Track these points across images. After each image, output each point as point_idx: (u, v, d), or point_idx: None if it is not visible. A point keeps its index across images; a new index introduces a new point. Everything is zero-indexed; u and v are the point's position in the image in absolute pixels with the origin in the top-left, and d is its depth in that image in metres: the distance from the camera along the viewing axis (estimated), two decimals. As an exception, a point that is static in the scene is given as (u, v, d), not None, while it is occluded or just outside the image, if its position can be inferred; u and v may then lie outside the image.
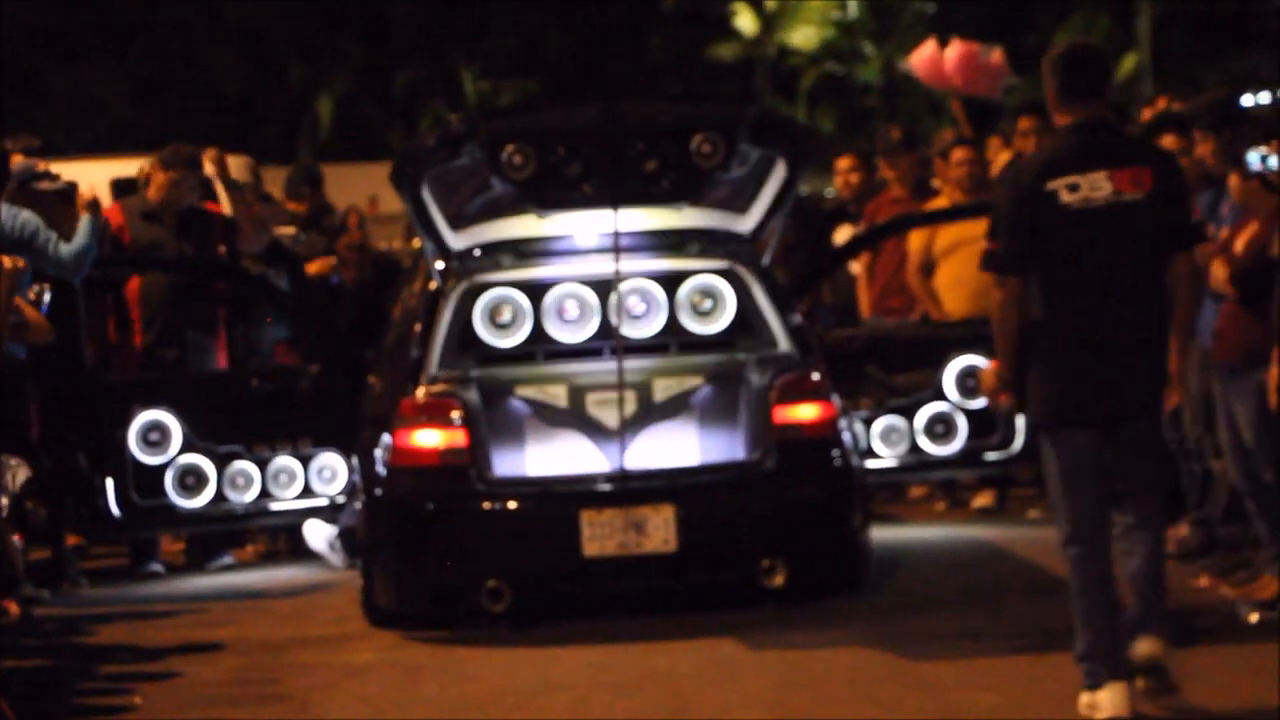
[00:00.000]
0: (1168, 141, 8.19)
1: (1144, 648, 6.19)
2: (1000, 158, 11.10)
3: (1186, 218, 6.35)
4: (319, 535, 9.38)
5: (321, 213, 11.64)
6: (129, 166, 11.47)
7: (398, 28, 36.79)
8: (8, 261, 4.91)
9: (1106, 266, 6.13)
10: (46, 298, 9.02)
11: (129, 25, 33.93)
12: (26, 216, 8.31)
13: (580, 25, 36.58)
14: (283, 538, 10.16)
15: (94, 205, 8.66)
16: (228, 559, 9.88)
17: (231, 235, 10.19)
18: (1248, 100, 14.17)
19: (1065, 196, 6.12)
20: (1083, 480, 6.19)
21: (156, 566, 9.75)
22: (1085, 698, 6.18)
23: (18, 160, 9.39)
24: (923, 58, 13.24)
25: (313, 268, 10.76)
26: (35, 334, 8.65)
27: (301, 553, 10.06)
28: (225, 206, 10.47)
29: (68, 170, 10.49)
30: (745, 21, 36.34)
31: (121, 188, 10.72)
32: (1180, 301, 6.25)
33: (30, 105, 30.78)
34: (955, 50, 12.91)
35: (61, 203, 9.18)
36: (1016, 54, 15.47)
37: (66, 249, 8.54)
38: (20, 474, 6.23)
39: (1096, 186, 6.12)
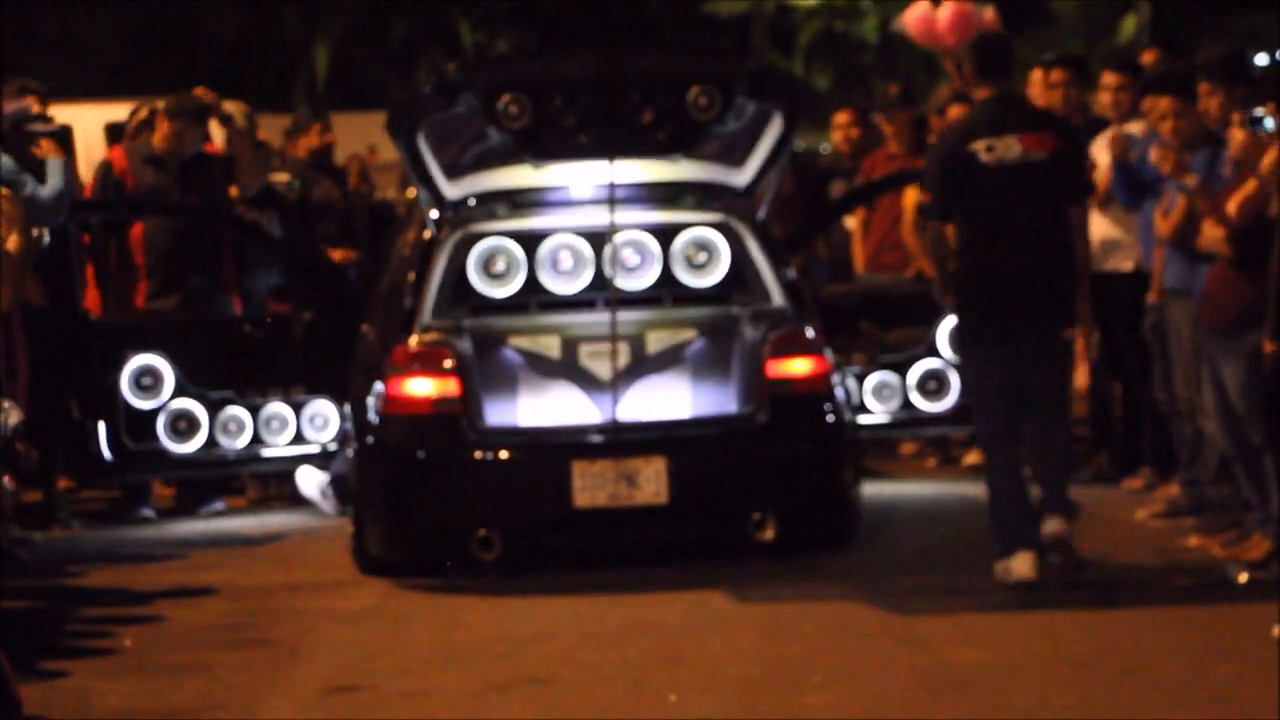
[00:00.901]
0: (1163, 104, 8.17)
1: (1051, 526, 7.44)
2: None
3: (1081, 175, 7.75)
4: (311, 482, 9.39)
5: (328, 153, 11.55)
6: (123, 111, 11.43)
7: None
8: (13, 240, 4.96)
9: (1016, 213, 7.51)
10: (46, 240, 9.00)
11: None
12: (4, 161, 8.29)
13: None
14: (274, 484, 10.16)
15: (59, 141, 8.67)
16: (219, 505, 9.89)
17: (231, 174, 10.16)
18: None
19: (984, 156, 7.49)
20: (997, 388, 7.51)
21: (148, 511, 9.76)
22: (1000, 565, 7.42)
23: (10, 104, 9.36)
24: (916, 16, 13.21)
25: (336, 255, 10.70)
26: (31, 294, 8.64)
27: (293, 500, 10.08)
28: (220, 143, 10.41)
29: (62, 114, 10.46)
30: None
31: (115, 132, 10.66)
32: (1079, 246, 7.63)
33: (25, 49, 30.65)
34: (948, 9, 12.87)
35: (56, 146, 9.15)
36: (1009, 13, 15.42)
37: (44, 191, 8.53)
38: (12, 416, 6.23)
39: (1009, 148, 7.49)
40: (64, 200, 8.69)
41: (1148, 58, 9.90)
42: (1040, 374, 7.49)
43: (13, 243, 5.56)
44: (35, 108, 9.67)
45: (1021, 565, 7.31)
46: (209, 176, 10.01)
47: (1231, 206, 7.51)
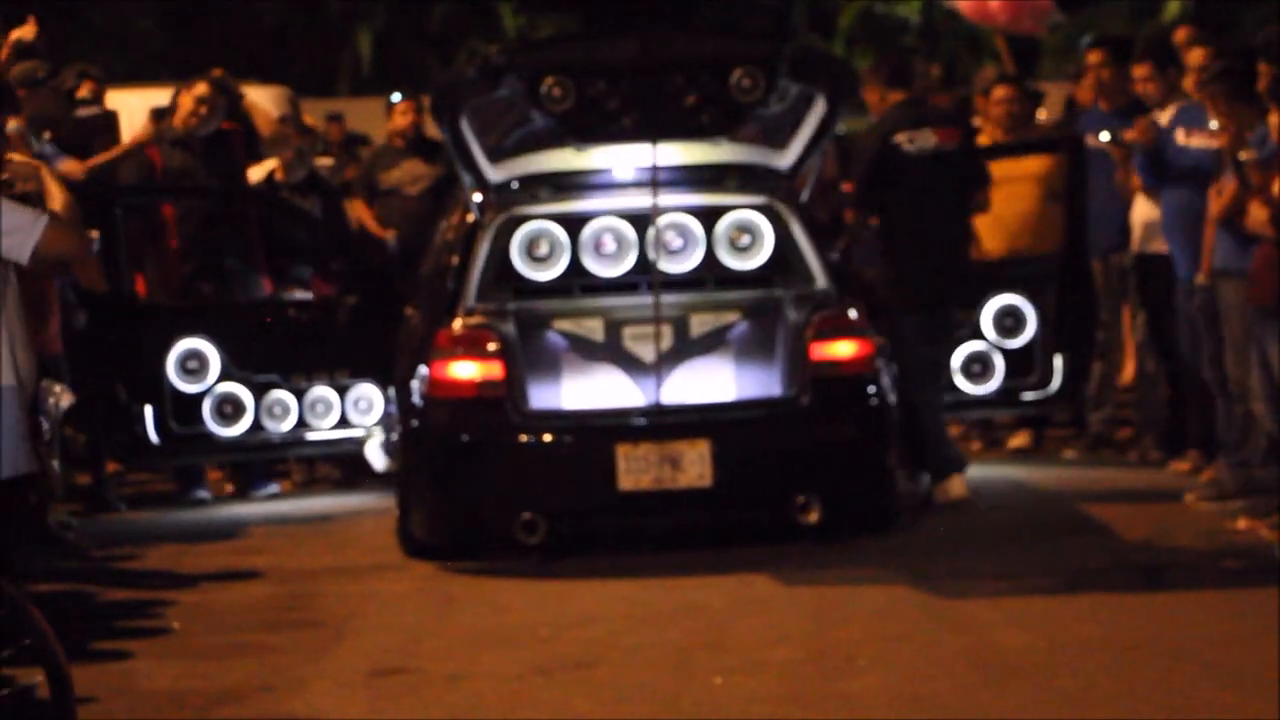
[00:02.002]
0: (1220, 104, 8.19)
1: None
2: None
3: (981, 165, 9.18)
4: (375, 445, 9.39)
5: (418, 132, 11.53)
6: (166, 95, 11.47)
7: (436, -40, 36.64)
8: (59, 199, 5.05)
9: (934, 196, 8.86)
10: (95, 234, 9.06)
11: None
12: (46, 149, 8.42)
13: (620, -40, 36.38)
14: (322, 468, 10.20)
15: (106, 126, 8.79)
16: (273, 488, 9.93)
17: (255, 149, 10.19)
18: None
19: (907, 146, 8.86)
20: (921, 347, 8.82)
21: (203, 494, 9.81)
22: (938, 490, 8.72)
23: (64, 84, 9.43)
24: (969, -5, 13.13)
25: (381, 236, 10.74)
26: (92, 279, 8.73)
27: (338, 482, 10.12)
28: (259, 122, 10.42)
29: (109, 100, 10.51)
30: (792, -41, 36.09)
31: (160, 116, 10.70)
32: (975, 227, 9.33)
33: (70, 36, 30.79)
34: (1001, -12, 12.80)
35: (101, 131, 9.22)
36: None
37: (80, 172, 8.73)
38: (64, 399, 6.26)
39: (927, 139, 8.87)
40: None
41: (1181, 35, 9.80)
42: (945, 337, 9.06)
43: (59, 201, 5.63)
44: (81, 90, 9.73)
45: (958, 487, 8.70)
46: (231, 153, 10.05)
47: (1277, 188, 7.46)
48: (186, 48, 32.31)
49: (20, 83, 8.72)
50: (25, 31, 8.88)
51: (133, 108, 11.04)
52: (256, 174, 10.29)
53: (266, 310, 9.74)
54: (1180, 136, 8.90)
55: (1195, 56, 9.03)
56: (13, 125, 8.19)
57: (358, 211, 11.12)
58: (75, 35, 30.90)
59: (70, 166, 9.29)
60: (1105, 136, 9.41)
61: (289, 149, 10.31)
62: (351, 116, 18.63)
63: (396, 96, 11.49)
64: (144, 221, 9.88)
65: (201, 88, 9.87)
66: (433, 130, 11.72)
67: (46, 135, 9.05)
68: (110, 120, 10.16)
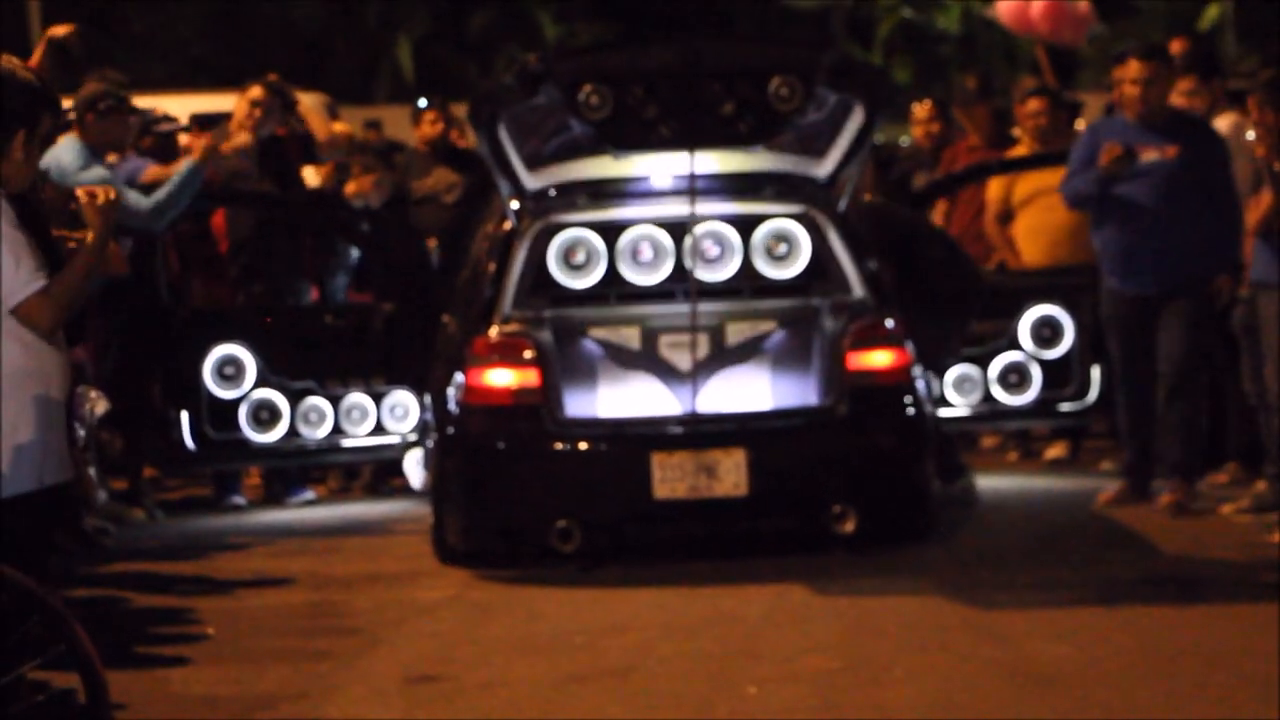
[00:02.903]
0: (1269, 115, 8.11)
1: None
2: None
3: None
4: (414, 460, 9.42)
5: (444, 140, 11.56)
6: (207, 102, 11.52)
7: (475, -31, 36.71)
8: (100, 193, 4.96)
9: None
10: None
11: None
12: (96, 172, 8.45)
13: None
14: (360, 473, 10.21)
15: (203, 158, 8.86)
16: (309, 494, 9.95)
17: (312, 152, 10.21)
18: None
19: None
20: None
21: (239, 500, 9.84)
22: None
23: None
24: (1009, 5, 13.10)
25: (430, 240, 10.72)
26: (111, 265, 8.73)
27: (373, 489, 10.13)
28: (315, 126, 10.41)
29: (148, 105, 10.56)
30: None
31: (200, 123, 10.76)
32: None
33: (110, 42, 30.95)
34: (1042, -2, 12.77)
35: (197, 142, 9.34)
36: (1103, 1, 15.28)
37: (144, 202, 8.77)
38: (99, 405, 6.27)
39: None
40: (164, 211, 8.87)
41: (1176, 47, 9.65)
42: None
43: (93, 235, 5.50)
44: (157, 110, 9.82)
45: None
46: (286, 157, 10.08)
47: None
48: (225, 55, 32.44)
49: (88, 107, 8.79)
50: (61, 30, 8.95)
51: (173, 113, 11.08)
52: (313, 177, 10.29)
53: (304, 317, 9.76)
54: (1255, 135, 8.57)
55: (1133, 70, 8.66)
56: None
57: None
58: (115, 42, 31.06)
59: (157, 172, 9.34)
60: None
61: (344, 154, 10.32)
62: (390, 124, 18.71)
63: (423, 103, 11.46)
64: (194, 225, 9.92)
65: (256, 91, 9.91)
66: (462, 138, 11.76)
67: (112, 158, 9.12)
68: (171, 140, 10.25)
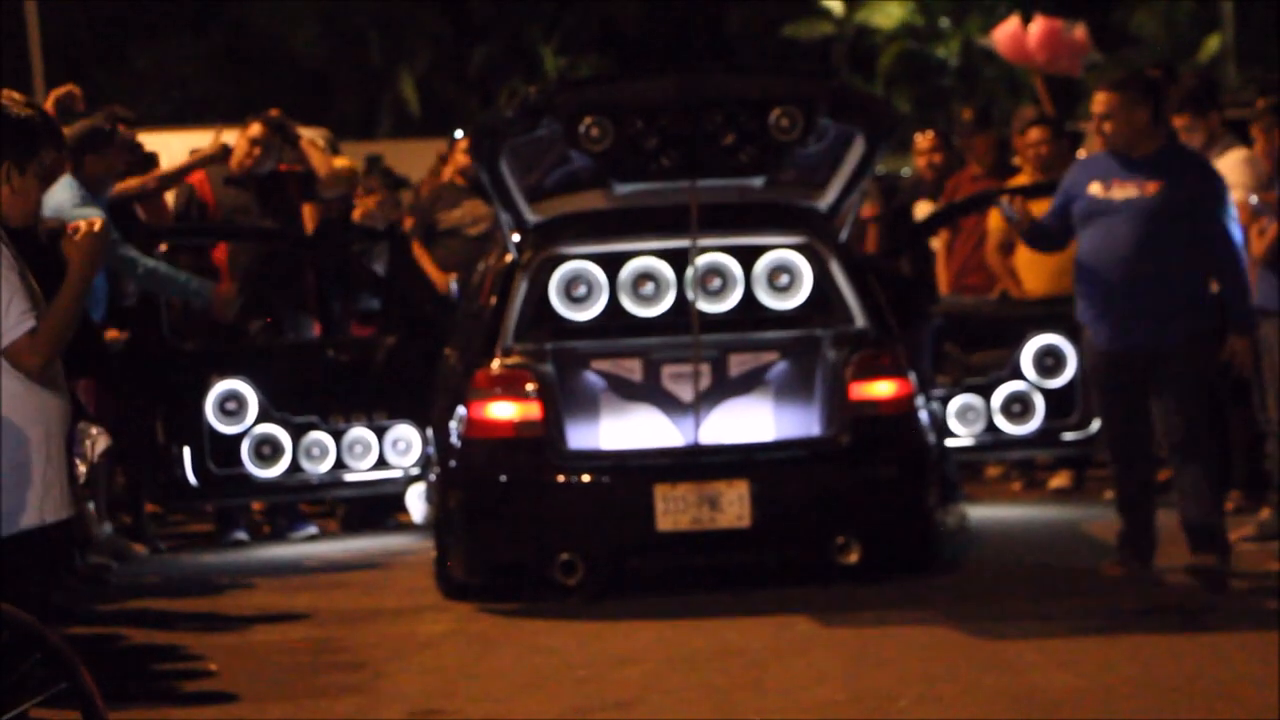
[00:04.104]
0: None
1: None
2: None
3: None
4: (416, 495, 9.39)
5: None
6: (208, 139, 11.52)
7: (475, 4, 36.83)
8: (84, 226, 4.92)
9: None
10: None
11: (210, 0, 34.18)
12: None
13: (657, 3, 36.52)
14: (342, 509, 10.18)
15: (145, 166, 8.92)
16: (312, 529, 9.93)
17: (312, 190, 10.20)
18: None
19: None
20: None
21: (242, 535, 9.82)
22: None
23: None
24: (1006, 34, 13.12)
25: (440, 280, 10.67)
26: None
27: (377, 524, 10.11)
28: (316, 163, 10.39)
29: (150, 141, 10.58)
30: (833, 1, 36.15)
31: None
32: None
33: (115, 79, 31.04)
34: (1038, 26, 12.79)
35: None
36: (1099, 31, 15.31)
37: (143, 263, 8.92)
38: (100, 442, 6.24)
39: None
40: (147, 280, 9.01)
41: (1154, 74, 9.62)
42: None
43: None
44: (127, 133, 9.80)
45: None
46: (286, 194, 10.08)
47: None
48: (229, 90, 32.52)
49: (84, 144, 8.81)
50: (61, 91, 9.04)
51: (174, 149, 11.11)
52: (310, 214, 10.28)
53: (305, 352, 9.75)
54: (1097, 189, 7.86)
55: (1098, 102, 8.06)
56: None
57: (415, 254, 11.00)
58: (117, 78, 31.15)
59: (127, 184, 9.38)
60: None
61: (345, 189, 10.31)
62: (392, 158, 18.74)
63: (459, 134, 11.44)
64: (195, 259, 9.92)
65: (256, 128, 9.92)
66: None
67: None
68: (151, 161, 10.23)
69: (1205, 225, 7.72)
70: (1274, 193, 8.37)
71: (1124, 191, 7.79)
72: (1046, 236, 8.26)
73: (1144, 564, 7.93)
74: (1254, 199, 8.53)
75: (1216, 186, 7.84)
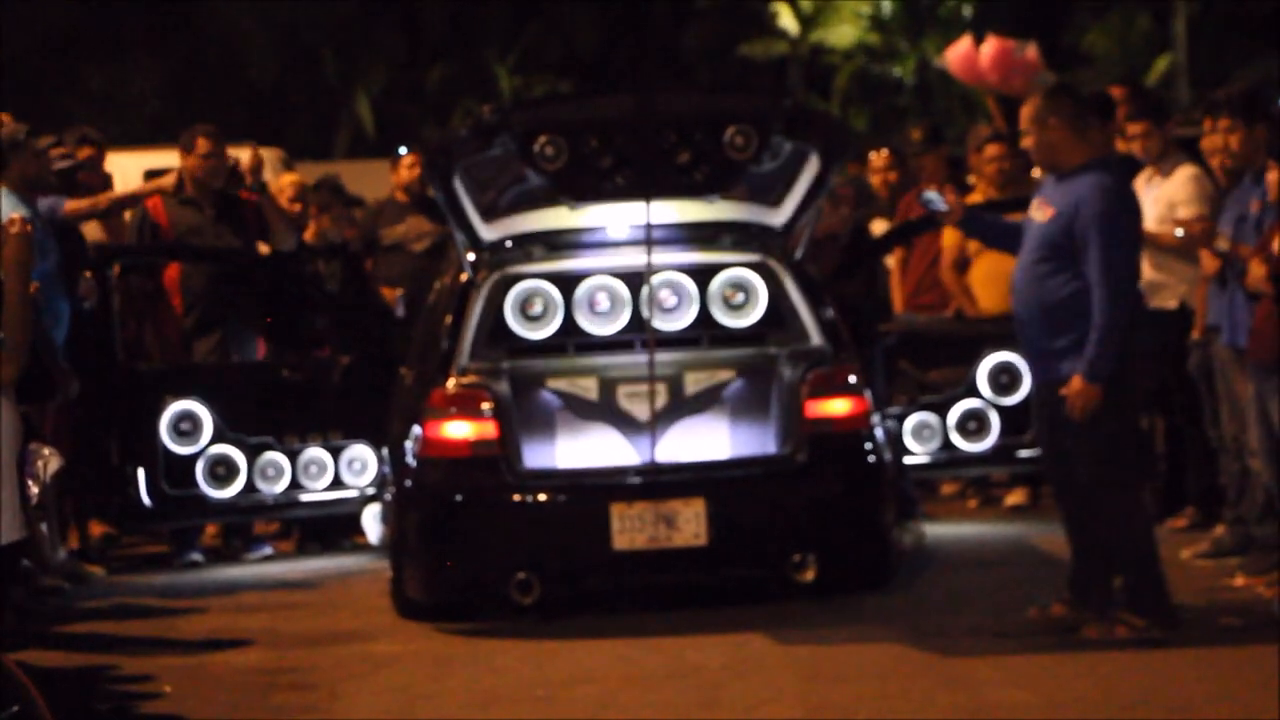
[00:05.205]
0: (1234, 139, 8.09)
1: None
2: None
3: None
4: (371, 515, 9.35)
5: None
6: (163, 159, 11.50)
7: (431, 23, 36.81)
8: (5, 225, 4.86)
9: None
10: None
11: (165, 20, 34.07)
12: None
13: (614, 22, 36.58)
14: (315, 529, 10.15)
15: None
16: (267, 549, 9.89)
17: (265, 228, 10.15)
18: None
19: None
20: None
21: (196, 556, 9.76)
22: None
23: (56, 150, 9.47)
24: (958, 54, 13.19)
25: (389, 293, 10.64)
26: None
27: (333, 545, 10.07)
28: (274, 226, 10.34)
29: (106, 162, 10.52)
30: (789, 20, 36.25)
31: (155, 179, 10.72)
32: None
33: (69, 100, 30.91)
34: (990, 47, 12.86)
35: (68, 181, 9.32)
36: (1052, 51, 15.39)
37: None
38: (53, 463, 6.21)
39: None
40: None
41: (1117, 93, 9.68)
42: None
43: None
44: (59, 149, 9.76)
45: None
46: (244, 219, 10.03)
47: (1276, 246, 7.46)
48: (183, 111, 32.41)
49: (2, 151, 8.74)
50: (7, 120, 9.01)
51: (128, 170, 11.07)
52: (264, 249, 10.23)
53: (260, 372, 9.71)
54: (1032, 207, 7.37)
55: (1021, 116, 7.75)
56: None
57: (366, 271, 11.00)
58: (72, 99, 31.02)
59: (78, 204, 9.33)
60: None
61: (293, 240, 10.24)
62: (347, 178, 18.67)
63: (403, 150, 11.46)
64: (147, 280, 9.87)
65: (203, 143, 9.86)
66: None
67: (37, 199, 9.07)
68: (107, 182, 10.18)
69: (1086, 253, 7.01)
70: (1205, 220, 8.44)
71: (1037, 213, 7.26)
72: (987, 228, 7.76)
73: (1083, 605, 7.25)
74: (1179, 231, 8.56)
75: (1097, 204, 7.01)
